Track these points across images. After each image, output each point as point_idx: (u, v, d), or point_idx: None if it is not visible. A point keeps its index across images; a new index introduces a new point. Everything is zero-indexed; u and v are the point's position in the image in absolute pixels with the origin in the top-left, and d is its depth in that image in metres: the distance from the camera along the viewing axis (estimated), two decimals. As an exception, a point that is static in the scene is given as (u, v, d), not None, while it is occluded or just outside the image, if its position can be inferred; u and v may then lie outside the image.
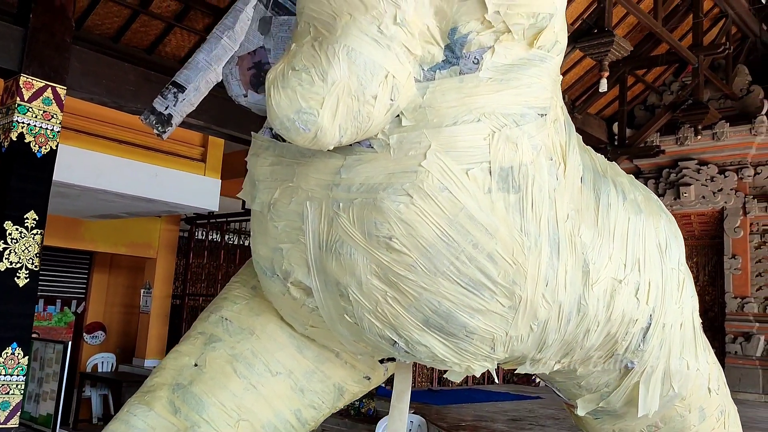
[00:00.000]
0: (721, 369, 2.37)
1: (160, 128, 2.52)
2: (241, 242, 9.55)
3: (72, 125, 6.39)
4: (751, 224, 9.78)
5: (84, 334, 9.87)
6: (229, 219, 9.21)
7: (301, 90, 1.38)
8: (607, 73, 7.40)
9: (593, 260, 1.76)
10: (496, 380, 2.66)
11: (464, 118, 1.52)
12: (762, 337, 9.65)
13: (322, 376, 1.95)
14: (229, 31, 2.57)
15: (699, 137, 9.83)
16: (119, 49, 7.28)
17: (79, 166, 6.31)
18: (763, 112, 9.83)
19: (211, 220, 9.35)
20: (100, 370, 9.50)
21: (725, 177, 9.89)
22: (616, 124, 10.46)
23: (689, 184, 9.96)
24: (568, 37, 7.05)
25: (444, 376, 1.87)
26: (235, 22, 2.61)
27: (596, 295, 1.77)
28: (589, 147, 1.94)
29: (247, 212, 8.29)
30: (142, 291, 9.78)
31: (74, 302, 10.01)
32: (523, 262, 1.60)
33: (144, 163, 7.02)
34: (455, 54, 1.52)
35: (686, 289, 2.09)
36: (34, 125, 4.99)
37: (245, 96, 1.90)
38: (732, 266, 9.72)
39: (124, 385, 8.42)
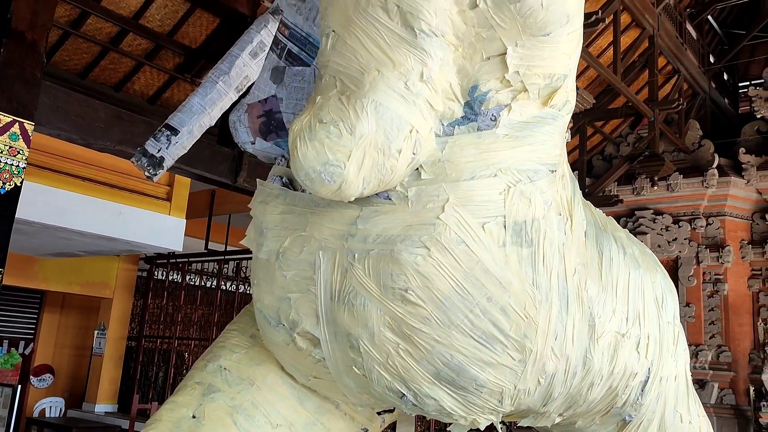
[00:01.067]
0: (710, 422, 2.41)
1: (151, 171, 2.49)
2: (203, 283, 9.36)
3: (36, 161, 6.24)
4: (703, 273, 10.09)
5: (31, 376, 9.45)
6: (191, 259, 9.03)
7: (329, 142, 1.38)
8: (570, 124, 7.66)
9: (599, 314, 1.79)
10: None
11: (481, 173, 1.55)
12: (716, 385, 9.86)
13: (321, 428, 1.91)
14: (225, 76, 2.57)
15: (655, 188, 10.17)
16: (86, 86, 7.19)
17: (41, 203, 6.13)
18: (714, 165, 10.25)
19: (171, 260, 9.15)
20: (48, 415, 9.09)
21: (679, 227, 10.23)
22: (576, 173, 10.76)
23: (645, 233, 10.26)
24: None
25: (448, 429, 1.86)
26: (230, 67, 2.62)
27: (601, 348, 1.80)
28: (588, 201, 1.99)
29: (211, 253, 8.16)
30: (95, 332, 9.45)
31: (22, 343, 9.60)
32: (534, 316, 1.62)
33: (108, 201, 6.87)
34: (474, 111, 1.56)
35: (680, 343, 2.14)
36: None
37: (253, 143, 1.90)
38: (686, 314, 9.97)
39: (74, 431, 8.06)
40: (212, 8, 6.84)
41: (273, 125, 1.85)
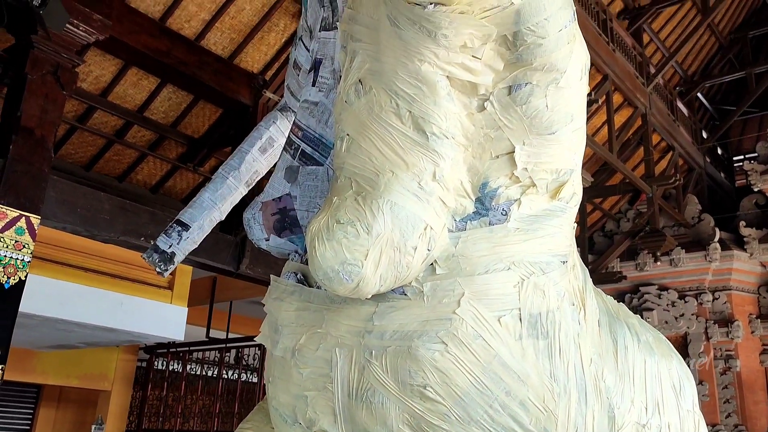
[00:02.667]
0: None
1: (162, 267, 2.51)
2: (204, 372, 9.19)
3: (38, 253, 6.26)
4: (714, 349, 9.95)
5: (26, 475, 9.14)
6: (191, 348, 8.91)
7: (346, 242, 1.41)
8: (578, 217, 7.78)
9: (617, 405, 1.76)
10: None
11: (495, 267, 1.56)
12: (734, 465, 9.55)
13: None
14: (235, 172, 2.63)
15: (658, 263, 10.17)
16: (91, 177, 7.31)
17: (43, 296, 6.11)
18: (716, 239, 10.30)
19: (172, 349, 9.02)
20: None
21: (685, 302, 10.16)
22: (578, 249, 10.78)
23: (651, 309, 10.18)
24: None
25: None
26: (240, 162, 2.68)
27: (622, 440, 1.77)
28: (598, 289, 2.00)
29: (212, 341, 8.03)
30: (93, 427, 9.19)
31: (17, 439, 9.34)
32: (553, 409, 1.60)
33: (109, 291, 6.85)
34: (485, 206, 1.59)
35: (701, 431, 2.10)
36: (5, 255, 4.87)
37: (267, 240, 1.92)
38: (700, 393, 9.77)
39: None
40: (215, 100, 7.05)
41: (287, 222, 1.88)
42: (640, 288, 10.49)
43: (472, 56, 1.43)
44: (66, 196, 5.43)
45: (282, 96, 2.48)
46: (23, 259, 4.96)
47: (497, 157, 1.56)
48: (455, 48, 1.42)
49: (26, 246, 4.99)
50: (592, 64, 8.17)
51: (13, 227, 4.96)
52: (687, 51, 12.02)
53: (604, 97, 8.96)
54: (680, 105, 11.79)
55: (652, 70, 10.24)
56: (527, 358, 1.56)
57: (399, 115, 1.47)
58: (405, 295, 1.56)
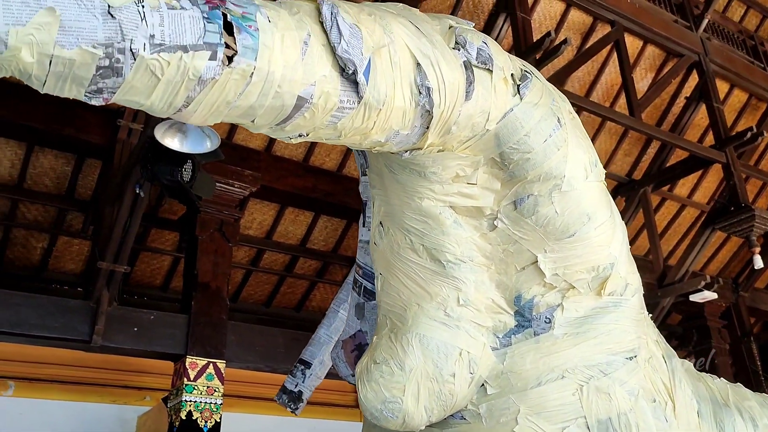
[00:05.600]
0: None
1: (292, 406, 2.69)
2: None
3: (229, 391, 6.84)
4: None
5: None
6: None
7: (383, 381, 1.49)
8: (758, 249, 6.99)
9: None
10: None
11: (548, 377, 1.54)
12: None
13: None
14: (344, 304, 2.81)
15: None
16: (271, 313, 7.96)
17: (240, 431, 6.61)
18: None
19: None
20: None
21: None
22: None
23: None
24: (706, 218, 6.60)
25: None
26: (348, 294, 2.86)
27: None
28: (703, 374, 1.84)
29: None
30: None
31: None
32: None
33: (303, 418, 7.23)
34: (526, 317, 1.59)
35: None
36: (200, 402, 5.41)
37: (353, 375, 2.03)
38: None
39: None
40: (366, 220, 7.46)
41: (365, 357, 1.98)
42: None
43: (467, 183, 1.50)
44: (244, 338, 5.98)
45: None
46: (216, 402, 5.48)
47: (523, 269, 1.57)
48: (448, 180, 1.49)
49: (217, 390, 5.52)
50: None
51: (204, 374, 5.53)
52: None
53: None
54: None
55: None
56: (606, 468, 1.49)
57: (414, 249, 1.56)
58: (464, 419, 1.58)
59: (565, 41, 5.84)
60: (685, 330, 8.71)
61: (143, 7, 1.04)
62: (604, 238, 1.58)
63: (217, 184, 5.65)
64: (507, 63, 1.49)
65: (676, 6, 7.88)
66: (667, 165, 7.91)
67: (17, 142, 5.91)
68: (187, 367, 5.44)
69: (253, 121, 1.25)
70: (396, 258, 1.57)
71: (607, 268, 1.59)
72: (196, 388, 5.42)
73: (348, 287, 2.87)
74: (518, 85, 1.47)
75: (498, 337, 1.58)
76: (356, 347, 2.01)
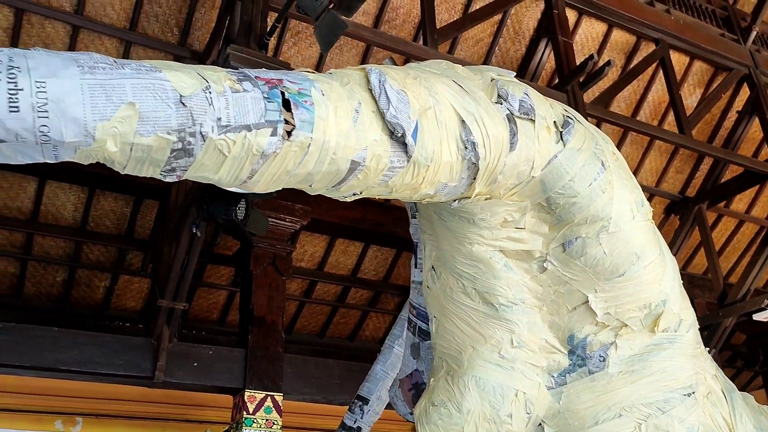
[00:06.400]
0: None
1: (352, 442, 2.74)
2: None
3: (289, 424, 6.92)
4: None
5: None
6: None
7: (441, 423, 1.52)
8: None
9: None
10: None
11: (604, 416, 1.55)
12: None
13: None
14: (399, 339, 2.86)
15: None
16: (325, 343, 8.04)
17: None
18: None
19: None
20: None
21: None
22: None
23: None
24: (766, 233, 6.39)
25: None
26: (402, 330, 2.91)
27: None
28: (765, 407, 1.82)
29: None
30: None
31: None
32: None
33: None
34: (580, 356, 1.61)
35: None
36: (259, 435, 5.49)
37: (411, 414, 2.07)
38: None
39: None
40: (415, 248, 7.52)
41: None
42: None
43: (516, 228, 1.54)
44: (300, 370, 6.06)
45: None
46: (275, 435, 5.56)
47: (574, 308, 1.60)
48: (497, 226, 1.54)
49: (275, 423, 5.60)
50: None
51: (262, 408, 5.62)
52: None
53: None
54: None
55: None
56: (669, 506, 1.49)
57: (467, 293, 1.60)
58: (526, 461, 1.60)
59: (608, 63, 5.82)
60: (750, 350, 8.43)
61: (210, 93, 1.14)
62: (654, 276, 1.60)
63: (269, 219, 5.79)
64: (549, 111, 1.54)
65: (722, 20, 7.78)
66: (722, 181, 7.74)
67: (80, 186, 6.19)
68: (246, 400, 5.54)
69: (310, 186, 1.34)
70: (449, 302, 1.62)
71: (659, 305, 1.60)
72: (255, 421, 5.51)
73: (402, 323, 2.92)
74: (561, 132, 1.51)
75: (553, 377, 1.60)
76: (413, 386, 2.05)
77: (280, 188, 1.34)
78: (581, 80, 5.96)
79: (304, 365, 6.10)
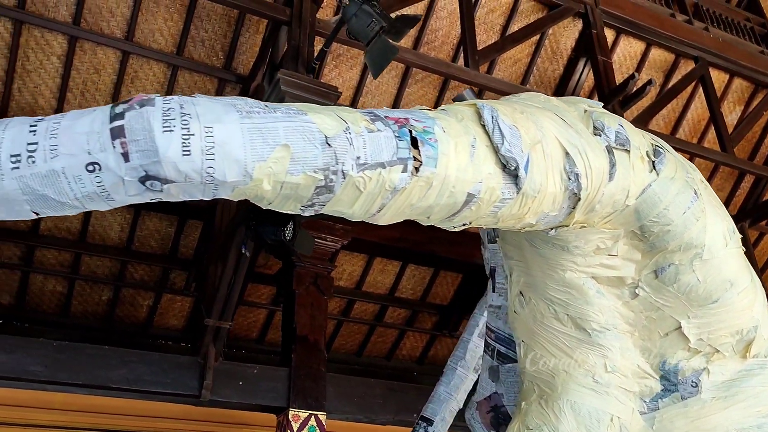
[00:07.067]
0: None
1: (416, 462, 2.76)
2: None
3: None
4: None
5: None
6: None
7: (540, 443, 1.55)
8: None
9: None
10: None
11: (700, 442, 1.57)
12: None
13: None
14: (462, 361, 2.89)
15: None
16: (363, 362, 8.07)
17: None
18: None
19: None
20: None
21: None
22: None
23: None
24: None
25: None
26: (465, 352, 2.93)
27: None
28: None
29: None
30: None
31: None
32: None
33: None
34: (672, 382, 1.63)
35: None
36: (304, 455, 5.51)
37: (489, 436, 2.09)
38: None
39: None
40: (453, 267, 7.54)
41: (501, 418, 2.04)
42: None
43: (609, 255, 1.57)
44: (342, 389, 6.09)
45: None
46: (319, 454, 5.58)
47: (666, 334, 1.62)
48: (590, 253, 1.57)
49: (320, 441, 5.62)
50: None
51: (306, 427, 5.65)
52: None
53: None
54: None
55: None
56: None
57: (559, 318, 1.63)
58: (617, 488, 1.62)
59: (650, 82, 5.83)
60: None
61: (350, 134, 1.21)
62: (747, 303, 1.61)
63: (313, 239, 5.85)
64: (642, 141, 1.57)
65: (760, 36, 7.76)
66: (764, 199, 7.67)
67: (126, 207, 6.32)
68: (290, 419, 5.57)
69: (428, 217, 1.39)
70: (540, 327, 1.65)
71: (751, 331, 1.61)
72: (299, 440, 5.54)
73: (464, 345, 2.94)
74: (653, 161, 1.54)
75: (645, 402, 1.62)
76: (492, 408, 2.07)
77: (400, 220, 1.39)
78: (621, 99, 5.97)
79: (345, 384, 6.13)
